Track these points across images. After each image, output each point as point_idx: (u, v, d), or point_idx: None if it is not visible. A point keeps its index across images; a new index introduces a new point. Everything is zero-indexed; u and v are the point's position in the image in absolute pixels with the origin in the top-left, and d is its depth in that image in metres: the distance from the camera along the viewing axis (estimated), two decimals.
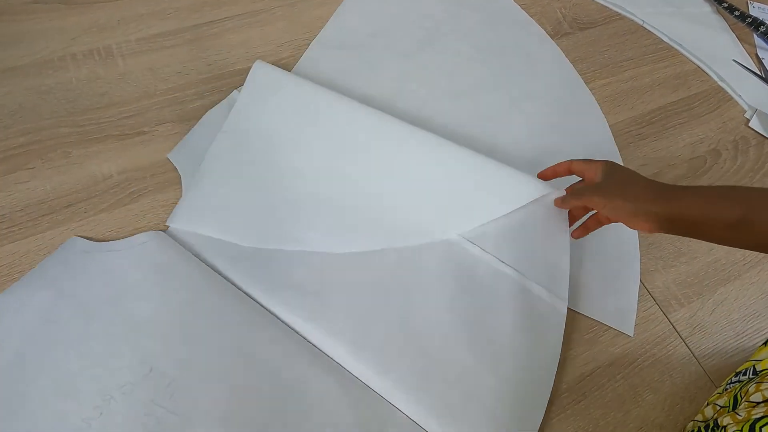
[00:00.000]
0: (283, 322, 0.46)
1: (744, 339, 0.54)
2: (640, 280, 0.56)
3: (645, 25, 0.74)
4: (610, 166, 0.47)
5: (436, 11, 0.69)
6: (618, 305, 0.54)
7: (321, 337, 0.45)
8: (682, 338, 0.54)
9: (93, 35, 0.59)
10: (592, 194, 0.46)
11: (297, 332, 0.45)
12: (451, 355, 0.46)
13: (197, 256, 0.48)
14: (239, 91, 0.57)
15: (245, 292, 0.46)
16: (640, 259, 0.57)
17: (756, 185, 0.63)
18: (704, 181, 0.63)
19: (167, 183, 0.52)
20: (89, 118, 0.54)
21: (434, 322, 0.47)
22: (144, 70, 0.58)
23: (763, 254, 0.60)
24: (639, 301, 0.55)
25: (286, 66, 0.61)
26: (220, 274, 0.47)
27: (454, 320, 0.47)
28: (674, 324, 0.54)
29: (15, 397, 0.40)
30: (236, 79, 0.59)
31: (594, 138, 0.63)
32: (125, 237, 0.49)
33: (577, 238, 0.52)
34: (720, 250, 0.59)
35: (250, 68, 0.60)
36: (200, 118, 0.56)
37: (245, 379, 0.42)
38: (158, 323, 0.44)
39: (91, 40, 0.59)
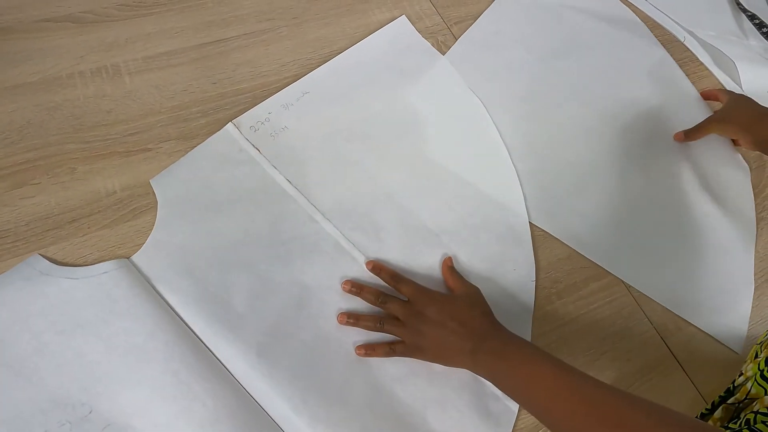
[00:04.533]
0: (227, 369, 0.46)
1: (743, 366, 0.53)
2: (638, 304, 0.56)
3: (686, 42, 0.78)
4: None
5: (577, 22, 0.75)
6: (728, 322, 0.57)
7: (262, 391, 0.46)
8: (679, 363, 0.54)
9: (101, 53, 0.60)
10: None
11: (239, 383, 0.46)
12: None
13: (154, 288, 0.48)
14: (234, 125, 0.57)
15: (196, 334, 0.47)
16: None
17: (757, 208, 0.63)
18: None
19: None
20: (95, 135, 0.55)
21: (376, 401, 0.47)
22: (150, 88, 0.59)
23: (763, 279, 0.60)
24: (636, 326, 0.55)
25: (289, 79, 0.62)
26: (172, 310, 0.47)
27: (398, 404, 0.47)
28: (672, 349, 0.54)
29: None
30: (240, 97, 0.60)
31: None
32: (127, 252, 0.50)
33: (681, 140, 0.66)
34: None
35: (254, 86, 0.61)
36: (203, 136, 0.57)
37: (179, 428, 0.42)
38: (105, 364, 0.44)
39: (99, 58, 0.60)
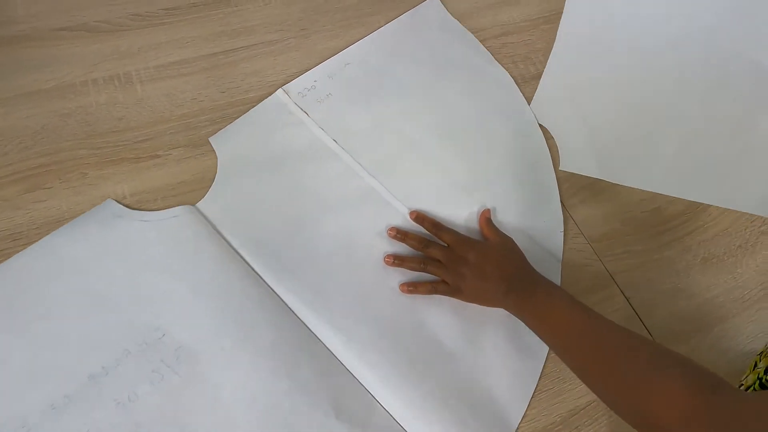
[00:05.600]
0: (286, 304, 0.51)
1: (743, 377, 0.54)
2: (638, 316, 0.57)
3: None
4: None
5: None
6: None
7: (317, 324, 0.50)
8: None
9: (114, 62, 0.62)
10: None
11: (297, 316, 0.50)
12: (435, 366, 0.50)
13: (218, 232, 0.53)
14: (284, 91, 0.63)
15: (257, 272, 0.52)
16: (639, 294, 0.58)
17: (755, 223, 0.64)
18: (704, 218, 0.63)
19: (177, 205, 0.54)
20: (106, 141, 0.57)
21: (420, 333, 0.52)
22: (161, 96, 0.61)
23: (763, 293, 0.60)
24: None
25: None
26: (235, 251, 0.52)
27: (441, 335, 0.52)
28: None
29: (43, 331, 0.46)
30: (248, 107, 0.61)
31: None
32: None
33: None
34: (720, 287, 0.60)
35: (261, 96, 0.62)
36: (212, 143, 0.58)
37: (242, 352, 0.47)
38: (175, 295, 0.49)
39: (112, 67, 0.62)
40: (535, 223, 0.59)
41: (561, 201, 0.61)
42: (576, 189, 0.63)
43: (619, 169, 0.65)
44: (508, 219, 0.59)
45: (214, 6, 0.68)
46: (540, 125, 0.66)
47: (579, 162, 0.65)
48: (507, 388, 0.50)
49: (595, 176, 0.64)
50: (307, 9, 0.70)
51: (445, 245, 0.54)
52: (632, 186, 0.64)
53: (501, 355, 0.51)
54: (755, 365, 0.52)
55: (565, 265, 0.58)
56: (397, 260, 0.53)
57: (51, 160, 0.55)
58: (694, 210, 0.64)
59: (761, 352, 0.54)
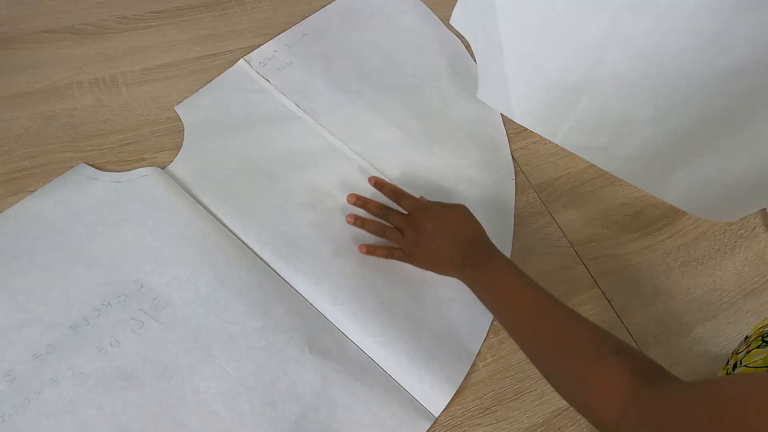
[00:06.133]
0: (256, 254, 0.53)
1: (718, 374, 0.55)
2: (619, 318, 0.57)
3: None
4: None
5: None
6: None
7: (287, 270, 0.53)
8: None
9: (99, 64, 0.62)
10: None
11: (267, 264, 0.53)
12: (400, 301, 0.53)
13: (188, 191, 0.55)
14: (246, 61, 0.65)
15: (226, 226, 0.54)
16: (619, 298, 0.59)
17: (733, 227, 0.65)
18: (684, 222, 0.65)
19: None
20: (91, 144, 0.57)
21: (391, 278, 0.55)
22: (146, 99, 0.60)
23: (741, 296, 0.61)
24: None
25: None
26: (205, 208, 0.54)
27: (410, 278, 0.55)
28: None
29: (24, 287, 0.47)
30: None
31: None
32: None
33: None
34: (699, 290, 0.61)
35: None
36: None
37: (217, 296, 0.49)
38: (151, 248, 0.51)
39: (97, 69, 0.61)
40: (489, 173, 0.63)
41: (535, 192, 0.63)
42: (559, 193, 0.64)
43: (531, 114, 0.64)
44: (464, 171, 0.63)
45: (201, 9, 0.68)
46: (460, 36, 0.72)
47: (494, 94, 0.66)
48: (467, 321, 0.54)
49: (506, 114, 0.67)
50: (294, 13, 0.71)
51: (405, 212, 0.54)
52: (538, 133, 0.65)
53: (461, 290, 0.53)
54: (727, 362, 0.53)
55: (549, 268, 0.59)
56: (358, 221, 0.54)
57: (35, 162, 0.55)
58: (674, 214, 0.65)
59: (734, 351, 0.55)
